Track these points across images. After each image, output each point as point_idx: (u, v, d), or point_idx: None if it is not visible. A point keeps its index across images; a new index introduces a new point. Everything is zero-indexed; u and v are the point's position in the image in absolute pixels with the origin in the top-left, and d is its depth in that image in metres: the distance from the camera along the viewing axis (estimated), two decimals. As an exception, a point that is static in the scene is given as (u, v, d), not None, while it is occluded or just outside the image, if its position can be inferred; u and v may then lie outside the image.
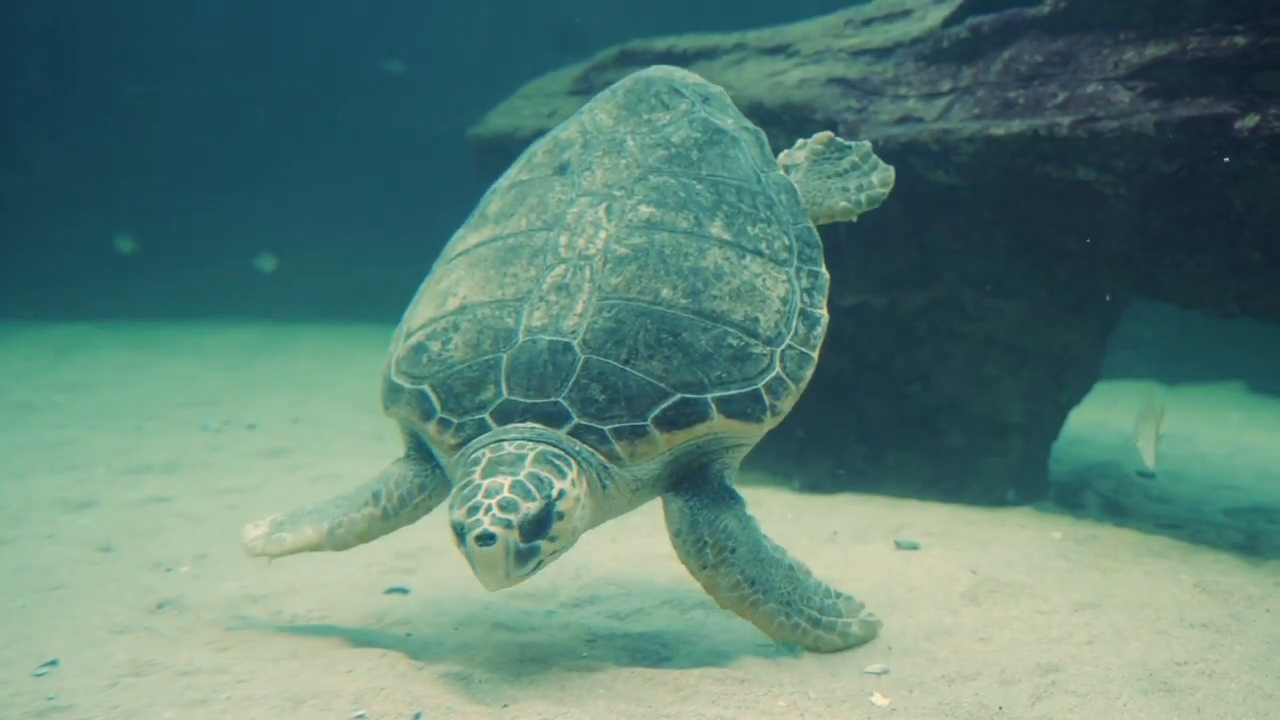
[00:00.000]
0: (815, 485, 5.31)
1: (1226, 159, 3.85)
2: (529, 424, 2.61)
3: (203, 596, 3.41)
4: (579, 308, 2.73)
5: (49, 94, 13.38)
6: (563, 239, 2.88)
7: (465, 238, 3.10)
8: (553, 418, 2.61)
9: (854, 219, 3.32)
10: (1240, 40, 3.89)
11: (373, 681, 2.54)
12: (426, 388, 2.77)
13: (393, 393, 2.86)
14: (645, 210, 2.91)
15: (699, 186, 2.99)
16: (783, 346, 2.80)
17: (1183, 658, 2.91)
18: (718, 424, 2.66)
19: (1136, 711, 2.58)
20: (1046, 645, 3.02)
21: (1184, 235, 4.24)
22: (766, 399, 2.72)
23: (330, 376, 8.85)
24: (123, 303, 12.04)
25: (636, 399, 2.62)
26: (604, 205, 2.93)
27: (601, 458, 2.61)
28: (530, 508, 2.39)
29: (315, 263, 13.50)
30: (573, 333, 2.69)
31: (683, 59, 5.94)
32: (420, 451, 2.92)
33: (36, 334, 10.64)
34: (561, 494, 2.46)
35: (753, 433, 2.76)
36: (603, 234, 2.86)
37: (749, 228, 2.95)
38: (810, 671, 2.77)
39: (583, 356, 2.66)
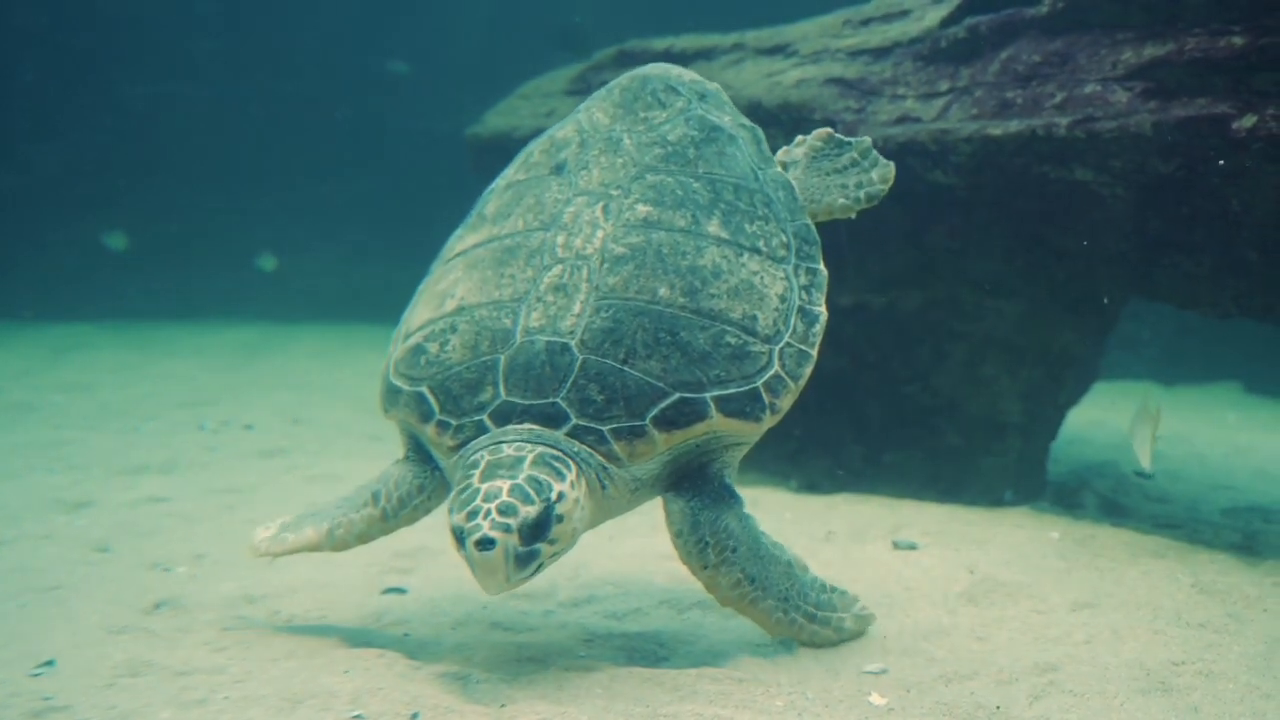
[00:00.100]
0: (813, 485, 5.31)
1: (1223, 159, 3.85)
2: (527, 425, 2.61)
3: (200, 597, 3.41)
4: (576, 308, 2.73)
5: (48, 94, 13.36)
6: (560, 239, 2.88)
7: (463, 238, 3.10)
8: (551, 419, 2.61)
9: (853, 216, 3.31)
10: (1238, 41, 3.89)
11: (370, 681, 2.54)
12: (425, 389, 2.77)
13: (391, 394, 2.86)
14: (642, 209, 2.90)
15: (696, 184, 2.99)
16: (781, 344, 2.80)
17: (1180, 657, 2.91)
18: (717, 423, 2.66)
19: (1134, 711, 2.58)
20: (1044, 645, 3.03)
21: (1182, 235, 4.24)
22: (766, 397, 2.72)
23: (328, 377, 8.84)
24: (121, 303, 12.03)
25: (635, 399, 2.62)
26: (601, 204, 2.93)
27: (600, 458, 2.61)
28: (529, 511, 2.38)
29: (314, 262, 13.48)
30: (570, 333, 2.69)
31: (681, 59, 5.94)
32: (419, 453, 2.92)
33: (35, 334, 10.63)
34: (560, 496, 2.46)
35: (752, 431, 2.76)
36: (600, 233, 2.86)
37: (747, 225, 2.95)
38: (808, 671, 2.77)
39: (580, 357, 2.65)
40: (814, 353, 2.85)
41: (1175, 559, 3.97)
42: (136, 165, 13.32)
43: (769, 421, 2.75)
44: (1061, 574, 3.73)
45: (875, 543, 4.21)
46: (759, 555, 2.79)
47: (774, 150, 3.29)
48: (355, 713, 2.36)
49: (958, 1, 4.93)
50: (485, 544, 2.33)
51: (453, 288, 2.92)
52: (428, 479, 2.89)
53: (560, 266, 2.81)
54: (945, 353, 5.13)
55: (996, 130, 4.41)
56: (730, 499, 2.80)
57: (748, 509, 2.85)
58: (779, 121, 5.07)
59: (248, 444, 6.07)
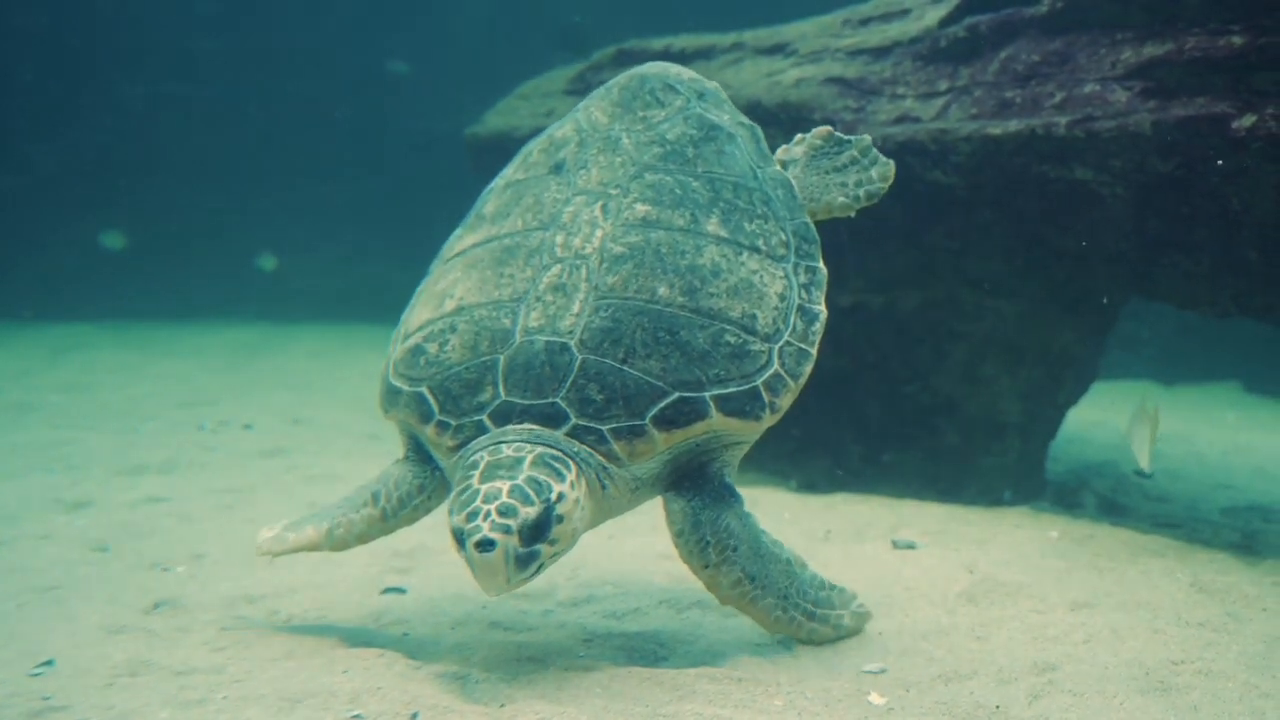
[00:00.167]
0: (812, 485, 5.31)
1: (1223, 159, 3.85)
2: (527, 425, 2.60)
3: (199, 596, 3.41)
4: (576, 307, 2.72)
5: (48, 94, 13.36)
6: (559, 238, 2.87)
7: (462, 238, 3.10)
8: (551, 418, 2.61)
9: (852, 214, 3.30)
10: (1237, 40, 3.89)
11: (369, 681, 2.54)
12: (424, 390, 2.76)
13: (391, 395, 2.86)
14: (641, 208, 2.90)
15: (695, 183, 2.99)
16: (781, 343, 2.80)
17: (1179, 656, 2.91)
18: (716, 422, 2.66)
19: (1133, 710, 2.58)
20: (1043, 644, 3.03)
21: (1181, 235, 4.24)
22: (765, 396, 2.71)
23: (328, 376, 8.84)
24: (121, 303, 12.03)
25: (634, 398, 2.62)
26: (600, 204, 2.93)
27: (600, 458, 2.61)
28: (529, 512, 2.38)
29: (313, 262, 13.48)
30: (570, 333, 2.69)
31: (680, 59, 5.93)
32: (419, 453, 2.91)
33: (34, 334, 10.63)
34: (560, 497, 2.46)
35: (752, 430, 2.76)
36: (599, 233, 2.86)
37: (746, 224, 2.94)
38: (807, 670, 2.77)
39: (580, 356, 2.65)
40: (814, 351, 2.85)
41: (1174, 558, 3.97)
42: (136, 165, 13.32)
43: (769, 420, 2.75)
44: (1061, 573, 3.73)
45: (874, 542, 4.21)
46: (759, 554, 2.79)
47: (773, 149, 3.29)
48: (354, 712, 2.36)
49: (957, 1, 4.93)
50: (485, 545, 2.33)
51: (452, 288, 2.92)
52: (428, 479, 2.89)
53: (559, 266, 2.81)
54: (945, 352, 5.13)
55: (996, 130, 4.41)
56: (731, 498, 2.80)
57: (746, 508, 2.84)
58: (778, 121, 5.07)
59: (247, 444, 6.07)
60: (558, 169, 3.07)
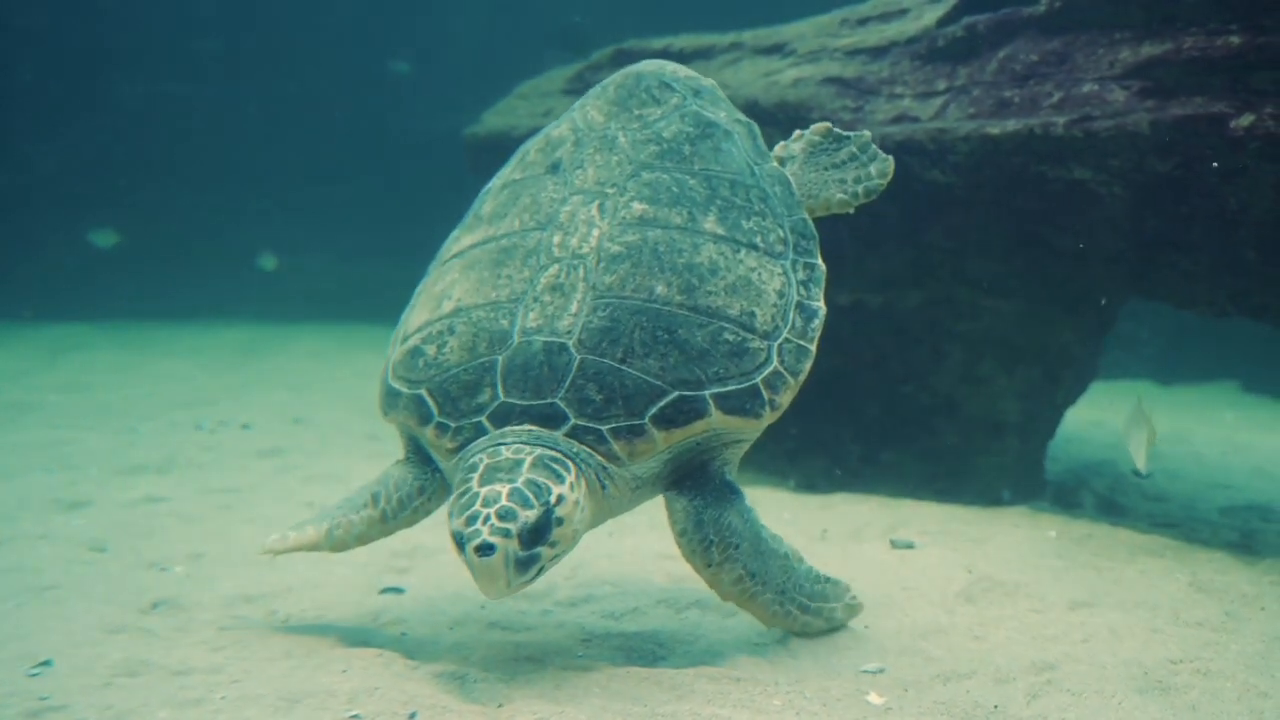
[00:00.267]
0: (810, 485, 5.31)
1: (1221, 158, 3.85)
2: (526, 426, 2.60)
3: (197, 596, 3.40)
4: (574, 307, 2.72)
5: (47, 94, 13.36)
6: (556, 238, 2.87)
7: (459, 239, 3.10)
8: (550, 419, 2.60)
9: (851, 211, 3.29)
10: (1235, 40, 3.89)
11: (367, 681, 2.54)
12: (423, 392, 2.76)
13: (390, 397, 2.86)
14: (638, 207, 2.90)
15: (692, 181, 2.98)
16: (780, 340, 2.79)
17: (1178, 656, 2.91)
18: (716, 420, 2.66)
19: (1131, 710, 2.58)
20: (1042, 644, 3.03)
21: (1179, 234, 4.24)
22: (765, 394, 2.71)
23: (326, 376, 8.84)
24: (120, 303, 12.02)
25: (634, 398, 2.61)
26: (597, 203, 2.92)
27: (600, 458, 2.60)
28: (529, 516, 2.37)
29: (312, 262, 13.49)
30: (568, 333, 2.68)
31: (679, 58, 5.92)
32: (419, 454, 2.91)
33: (33, 334, 10.63)
34: (560, 499, 2.45)
35: (752, 428, 2.76)
36: (596, 232, 2.85)
37: (743, 221, 2.94)
38: (806, 670, 2.77)
39: (578, 356, 2.65)
40: (813, 348, 2.84)
41: (1173, 558, 3.98)
42: (135, 165, 13.32)
43: (769, 418, 2.74)
44: (1059, 573, 3.73)
45: (873, 542, 4.21)
46: (760, 550, 2.79)
47: (771, 148, 3.28)
48: (353, 712, 2.36)
49: (955, 1, 4.93)
50: (485, 549, 2.32)
51: (450, 289, 2.91)
52: (428, 480, 2.88)
53: (557, 266, 2.81)
54: (943, 352, 5.13)
55: (994, 129, 4.41)
56: (732, 495, 2.79)
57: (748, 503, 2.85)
58: (776, 121, 5.07)
59: (246, 444, 6.07)
60: (554, 169, 3.06)
